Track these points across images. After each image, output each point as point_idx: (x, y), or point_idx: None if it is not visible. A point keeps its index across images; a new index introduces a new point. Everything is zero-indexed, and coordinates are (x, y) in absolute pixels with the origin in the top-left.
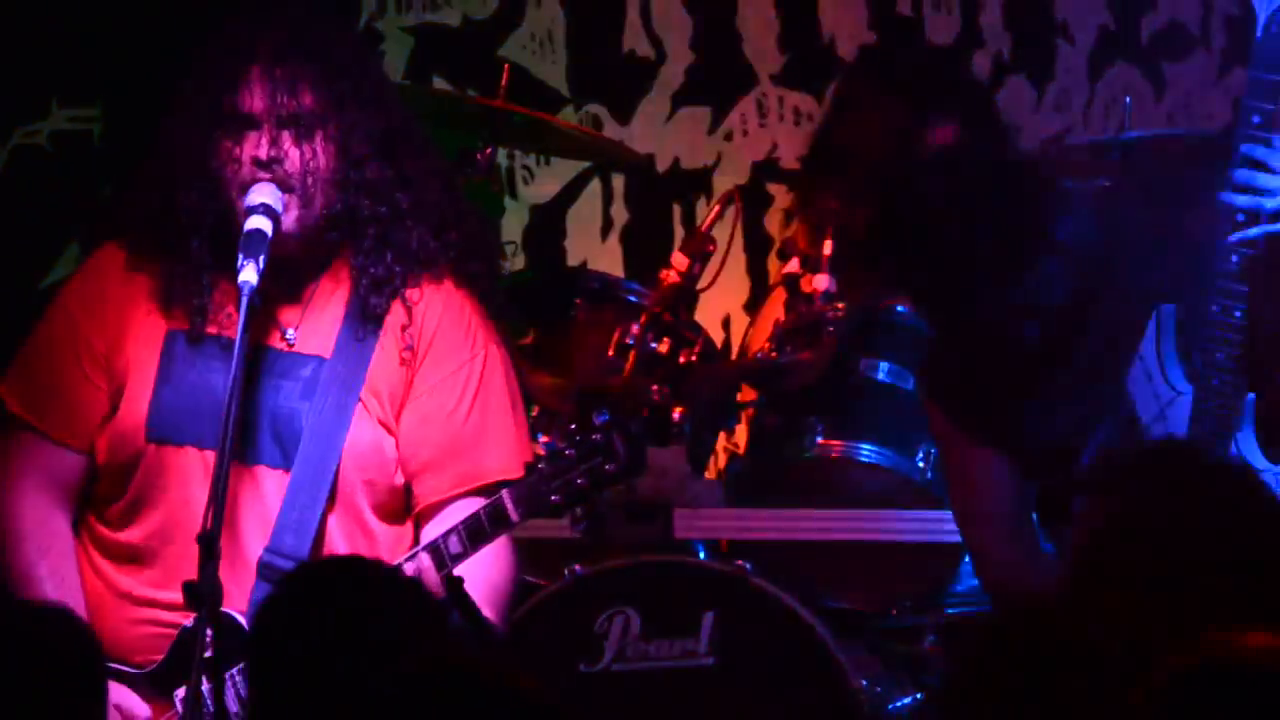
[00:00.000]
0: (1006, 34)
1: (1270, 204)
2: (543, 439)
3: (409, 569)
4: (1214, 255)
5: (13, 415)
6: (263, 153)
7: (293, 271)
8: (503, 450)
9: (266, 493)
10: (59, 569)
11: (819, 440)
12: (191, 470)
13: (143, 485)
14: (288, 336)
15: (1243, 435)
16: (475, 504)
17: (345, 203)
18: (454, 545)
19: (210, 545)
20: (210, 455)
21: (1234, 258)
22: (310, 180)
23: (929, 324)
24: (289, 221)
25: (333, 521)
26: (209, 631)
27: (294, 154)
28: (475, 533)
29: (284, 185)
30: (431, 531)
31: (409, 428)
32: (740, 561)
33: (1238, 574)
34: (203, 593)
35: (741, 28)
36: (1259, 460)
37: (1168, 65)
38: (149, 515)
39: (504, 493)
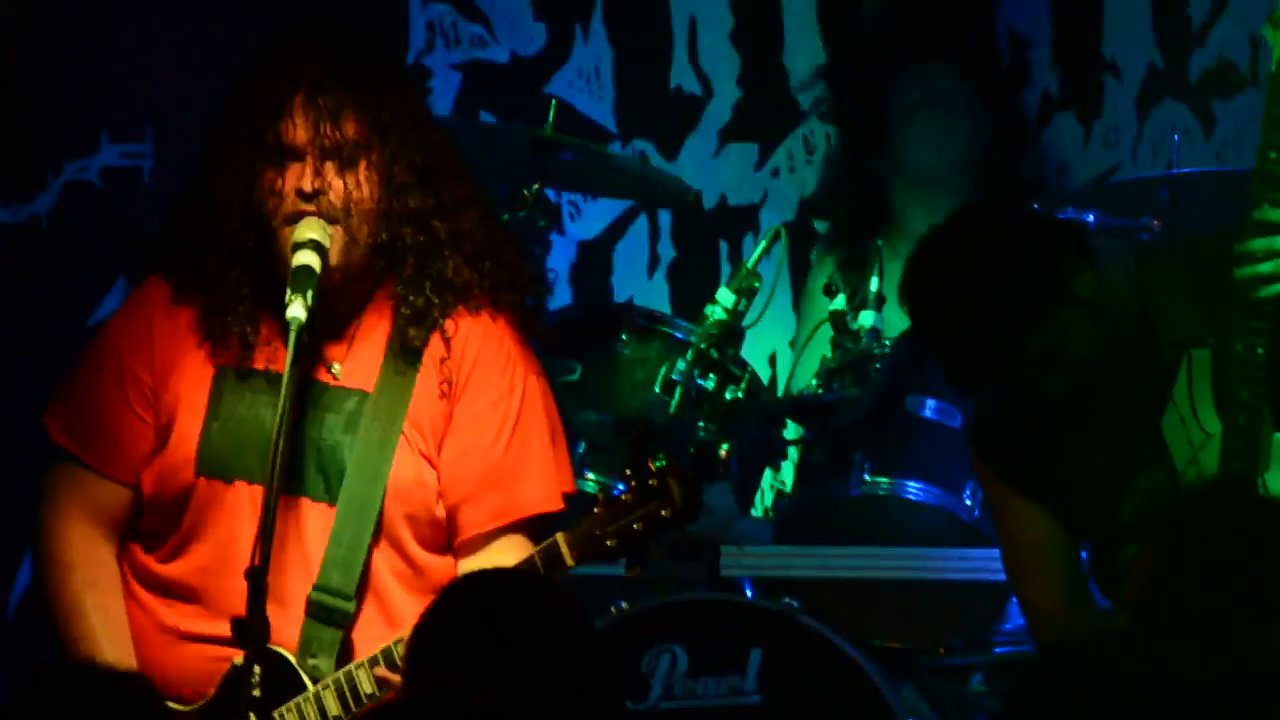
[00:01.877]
0: (1053, 71)
1: None
2: (589, 475)
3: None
4: (1235, 293)
5: (59, 447)
6: (307, 184)
7: (337, 304)
8: (541, 482)
9: (311, 527)
10: (105, 602)
11: (866, 478)
12: (240, 505)
13: (192, 520)
14: (333, 370)
15: (1271, 475)
16: (515, 538)
17: (388, 231)
18: None
19: (259, 581)
20: (258, 490)
21: (1253, 293)
22: (355, 211)
23: (958, 387)
24: (335, 255)
25: (379, 557)
26: (256, 669)
27: (338, 185)
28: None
29: (329, 218)
30: (471, 565)
31: (449, 460)
32: (787, 599)
33: None
34: (251, 630)
35: (788, 64)
36: None
37: (1216, 102)
38: (197, 550)
39: (559, 536)
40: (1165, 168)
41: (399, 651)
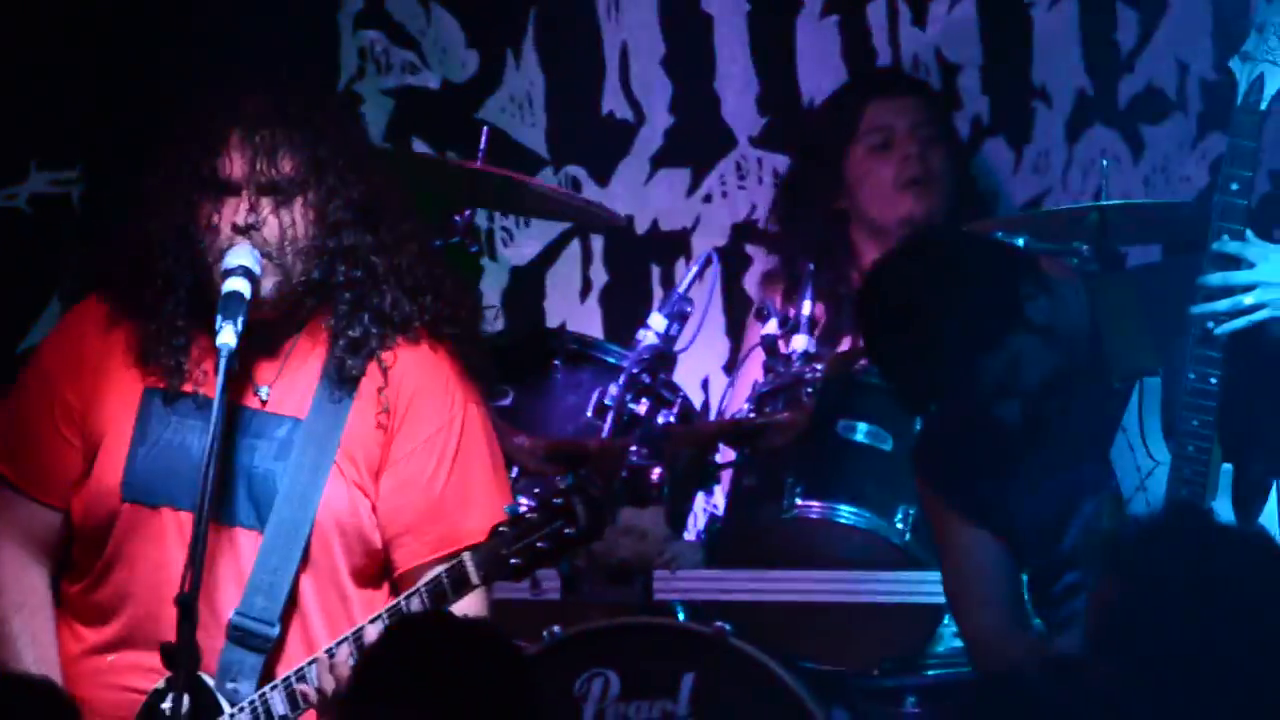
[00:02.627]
0: (984, 96)
1: (1249, 300)
2: (521, 500)
3: (371, 631)
4: (1190, 324)
5: None
6: (241, 219)
7: (268, 331)
8: (483, 514)
9: (242, 554)
10: (33, 626)
11: (798, 501)
12: (167, 531)
13: (116, 545)
14: (261, 395)
15: (1218, 504)
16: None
17: (322, 269)
18: (415, 606)
19: (189, 608)
20: (186, 516)
21: (1209, 324)
22: (289, 248)
23: (908, 408)
24: (267, 287)
25: (306, 584)
26: (185, 696)
27: (272, 221)
28: (437, 595)
29: (262, 250)
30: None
31: (388, 492)
32: (719, 623)
33: (1255, 638)
34: (180, 656)
35: (720, 90)
36: None
37: (1145, 128)
38: (123, 576)
39: (465, 555)
40: (1095, 193)
41: (311, 672)
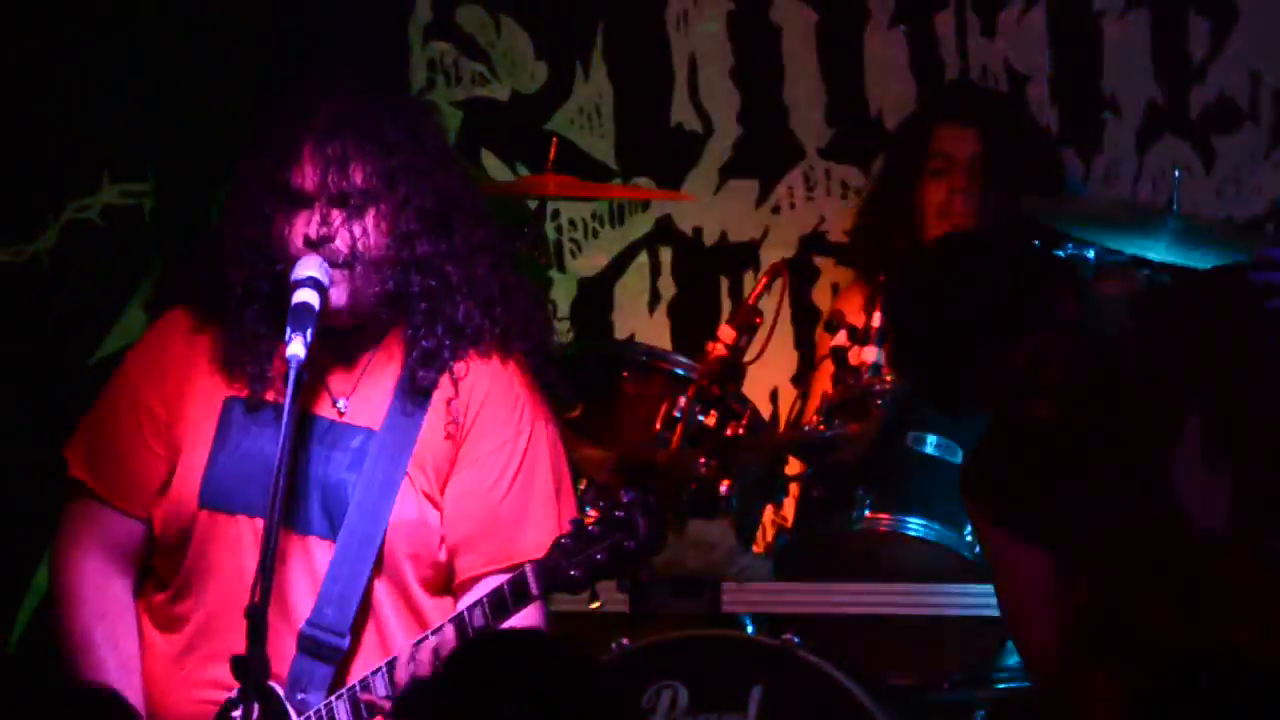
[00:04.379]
0: (1054, 106)
1: None
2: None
3: (432, 642)
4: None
5: (76, 481)
6: (313, 231)
7: (346, 342)
8: (541, 530)
9: (315, 563)
10: (115, 635)
11: (867, 514)
12: (244, 539)
13: (196, 553)
14: (339, 406)
15: None
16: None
17: (396, 279)
18: (477, 618)
19: (258, 619)
20: (262, 524)
21: (1271, 340)
22: (361, 259)
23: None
24: (340, 297)
25: (378, 594)
26: (255, 707)
27: (344, 233)
28: (498, 606)
29: (333, 260)
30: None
31: (451, 501)
32: (788, 635)
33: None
34: (250, 667)
35: (788, 101)
36: None
37: (1217, 138)
38: (203, 585)
39: (526, 566)
40: (1166, 204)
41: (375, 681)
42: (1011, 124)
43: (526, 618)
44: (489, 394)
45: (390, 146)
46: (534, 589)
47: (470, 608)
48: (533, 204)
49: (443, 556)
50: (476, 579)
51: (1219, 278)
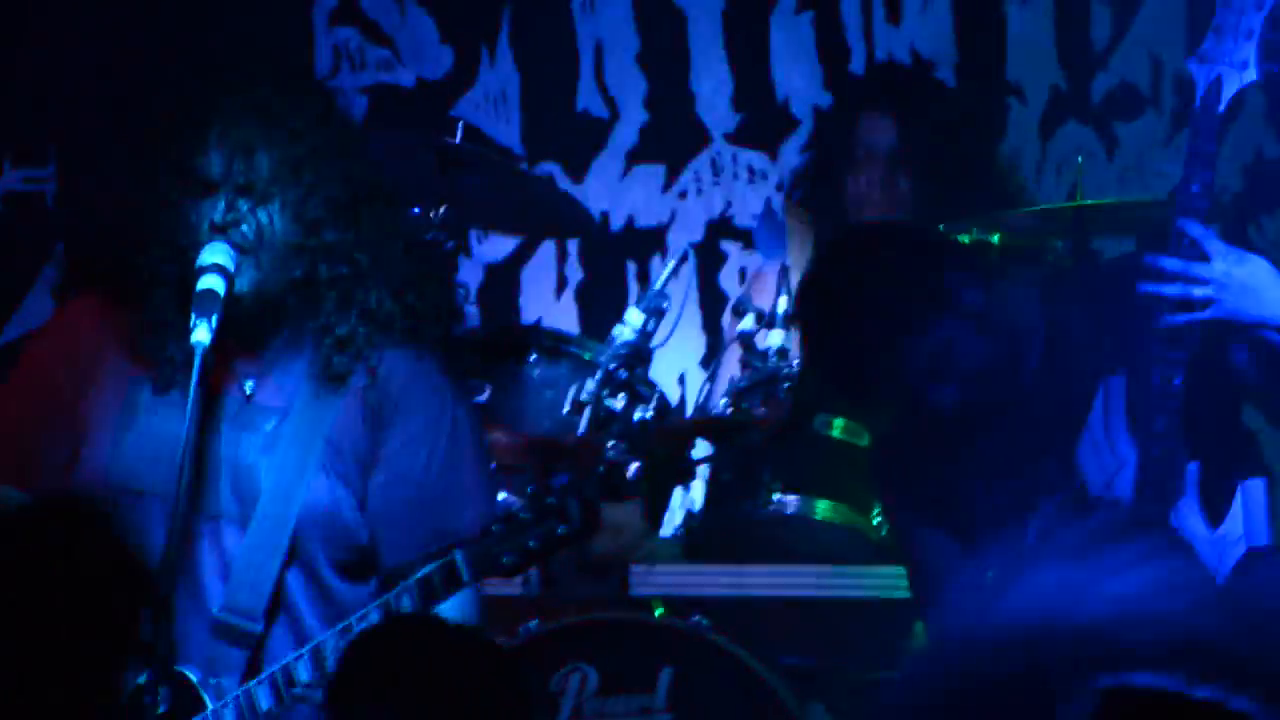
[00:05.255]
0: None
1: (1199, 292)
2: (500, 496)
3: (357, 627)
4: (1152, 324)
5: None
6: (219, 217)
7: (253, 326)
8: (474, 510)
9: (227, 547)
10: None
11: (775, 497)
12: (152, 518)
13: None
14: (246, 388)
15: (1185, 503)
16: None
17: (303, 267)
18: (405, 603)
19: (162, 604)
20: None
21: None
22: (268, 246)
23: (849, 400)
24: (244, 284)
25: (290, 579)
26: (162, 691)
27: (251, 219)
28: (427, 592)
29: (239, 248)
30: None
31: (378, 488)
32: (697, 617)
33: None
34: (155, 651)
35: (695, 86)
36: (1200, 529)
37: (1119, 125)
38: None
39: (456, 552)
40: (1069, 190)
41: (298, 667)
42: (932, 109)
43: (460, 603)
44: (407, 379)
45: (296, 133)
46: (465, 575)
47: (398, 593)
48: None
49: (362, 540)
50: (412, 564)
51: (1119, 264)
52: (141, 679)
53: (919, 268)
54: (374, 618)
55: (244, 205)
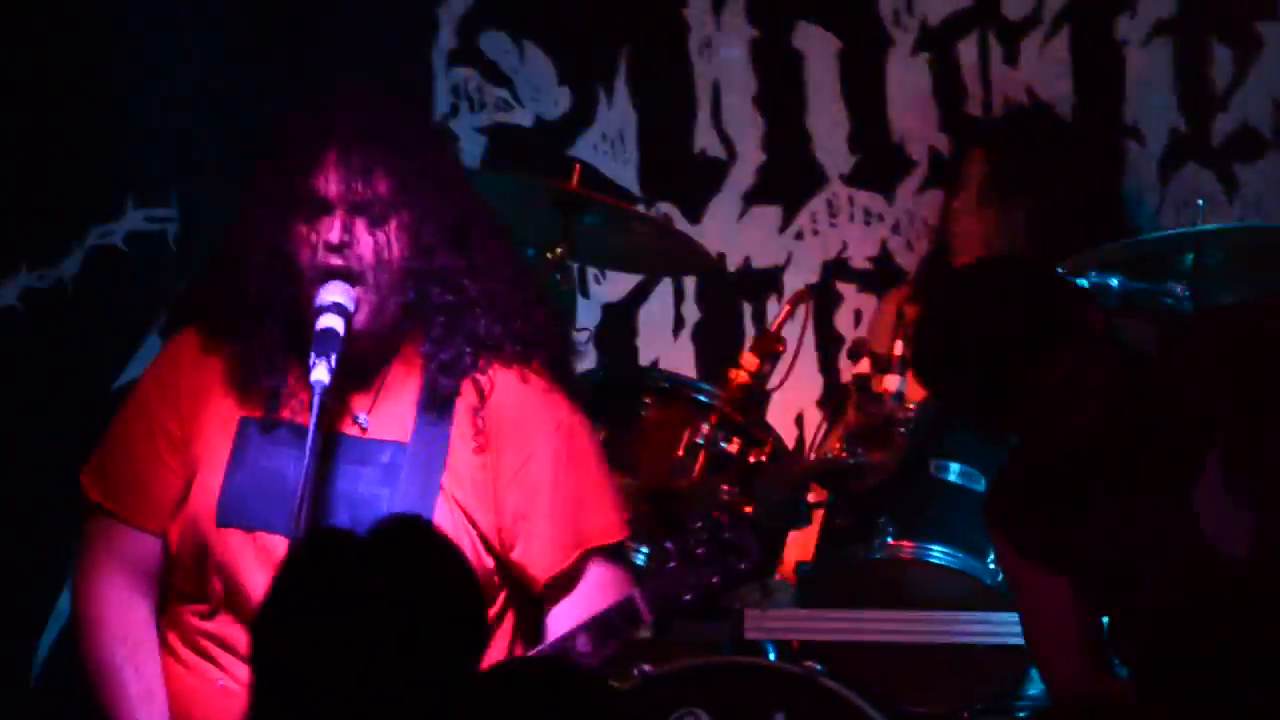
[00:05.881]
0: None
1: None
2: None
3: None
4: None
5: (92, 503)
6: (335, 237)
7: (364, 358)
8: (606, 510)
9: None
10: (138, 659)
11: (889, 541)
12: (264, 556)
13: (218, 572)
14: (360, 421)
15: None
16: (596, 570)
17: (416, 290)
18: (582, 644)
19: None
20: (279, 540)
21: None
22: (382, 268)
23: (987, 437)
24: (361, 318)
25: None
26: None
27: (366, 240)
28: (606, 631)
29: (354, 279)
30: (561, 606)
31: (515, 505)
32: (810, 662)
33: None
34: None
35: (811, 127)
36: None
37: (1239, 166)
38: (232, 604)
39: (635, 593)
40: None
41: None
42: (1026, 139)
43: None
44: (517, 398)
45: (413, 157)
46: (645, 615)
47: (573, 633)
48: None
49: (489, 565)
50: (564, 574)
51: (1243, 312)
52: None
53: (1041, 295)
54: (545, 660)
55: (360, 226)
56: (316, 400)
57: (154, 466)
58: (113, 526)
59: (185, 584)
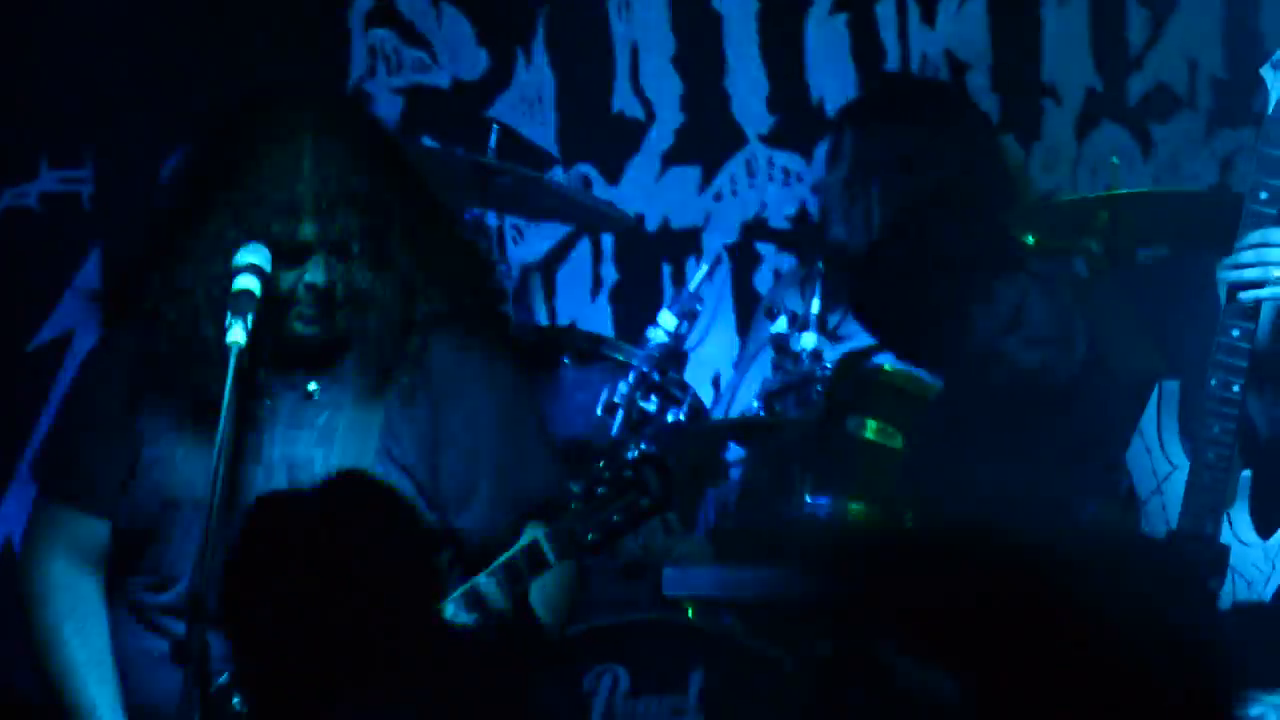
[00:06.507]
0: (994, 95)
1: (1278, 272)
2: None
3: (449, 611)
4: (1212, 329)
5: (40, 490)
6: (322, 279)
7: (329, 351)
8: (546, 473)
9: None
10: (85, 630)
11: (807, 499)
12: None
13: (167, 545)
14: (309, 388)
15: (1235, 511)
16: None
17: (382, 295)
18: (492, 588)
19: (198, 604)
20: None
21: (1234, 331)
22: (350, 295)
23: (923, 367)
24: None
25: None
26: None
27: (347, 275)
28: (513, 575)
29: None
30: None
31: (449, 465)
32: (728, 619)
33: None
34: (190, 652)
35: (730, 88)
36: (1250, 536)
37: (1155, 126)
38: (175, 574)
39: (539, 535)
40: (1104, 191)
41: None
42: (893, 113)
43: (560, 578)
44: (458, 359)
45: (374, 181)
46: (550, 556)
47: (486, 574)
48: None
49: (431, 520)
50: (495, 538)
51: (1157, 268)
52: (223, 679)
53: (996, 232)
54: (459, 606)
55: (339, 263)
56: (232, 361)
57: (99, 448)
58: (58, 510)
59: (132, 556)
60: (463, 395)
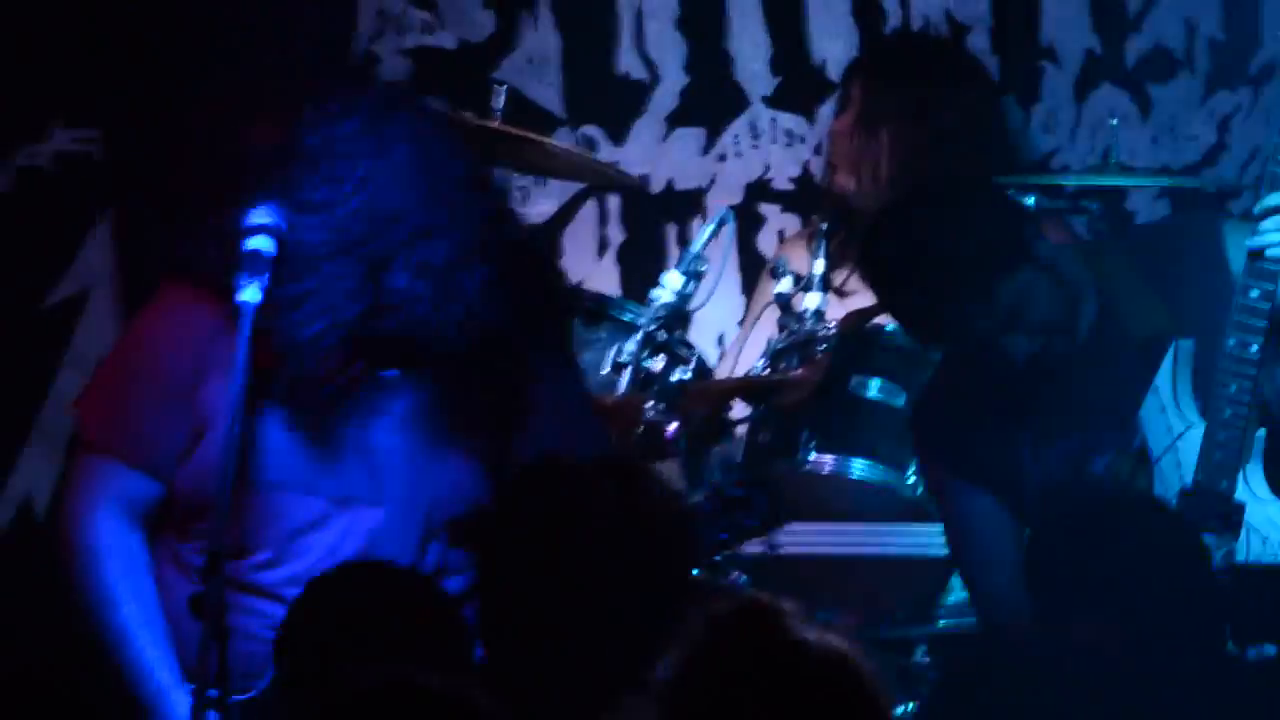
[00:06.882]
0: (994, 56)
1: None
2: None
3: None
4: (1217, 287)
5: (90, 440)
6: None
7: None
8: (599, 439)
9: (363, 527)
10: (141, 590)
11: (811, 456)
12: (282, 507)
13: (222, 521)
14: (385, 372)
15: (1250, 468)
16: None
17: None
18: None
19: (216, 562)
20: (312, 500)
21: (1253, 292)
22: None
23: (923, 343)
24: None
25: (431, 553)
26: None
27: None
28: None
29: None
30: None
31: (519, 448)
32: (734, 575)
33: None
34: (208, 607)
35: (733, 50)
36: (1265, 493)
37: (1153, 87)
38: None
39: None
40: (1103, 152)
41: None
42: (902, 66)
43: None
44: (524, 344)
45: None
46: None
47: None
48: None
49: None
50: None
51: (1160, 228)
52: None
53: (998, 219)
54: None
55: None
56: (246, 322)
57: (160, 413)
58: (111, 465)
59: (195, 524)
60: (529, 379)
